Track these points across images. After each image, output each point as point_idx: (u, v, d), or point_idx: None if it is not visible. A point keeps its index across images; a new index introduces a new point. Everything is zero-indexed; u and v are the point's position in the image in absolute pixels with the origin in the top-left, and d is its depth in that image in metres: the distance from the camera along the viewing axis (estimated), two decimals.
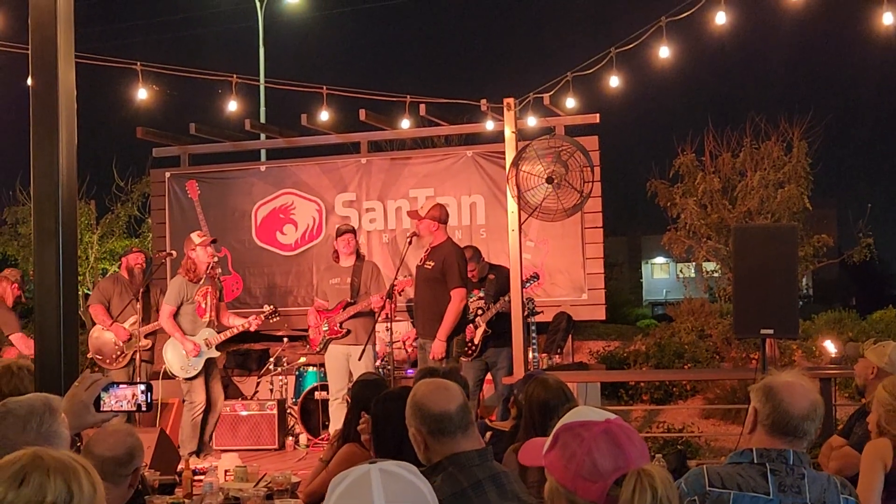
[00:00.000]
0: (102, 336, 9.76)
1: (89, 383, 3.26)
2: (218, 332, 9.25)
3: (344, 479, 2.02)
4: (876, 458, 4.45)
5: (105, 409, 3.29)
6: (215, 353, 9.24)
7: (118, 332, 9.68)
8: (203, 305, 9.23)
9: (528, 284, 9.35)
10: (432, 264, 8.79)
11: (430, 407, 3.40)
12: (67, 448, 2.87)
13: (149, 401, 3.39)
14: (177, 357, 9.17)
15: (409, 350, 10.53)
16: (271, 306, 9.75)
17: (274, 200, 12.34)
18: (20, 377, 4.48)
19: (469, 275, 9.24)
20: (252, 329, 9.53)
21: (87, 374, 3.34)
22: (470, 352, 9.27)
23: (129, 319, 9.73)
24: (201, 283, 9.24)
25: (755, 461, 3.20)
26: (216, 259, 9.44)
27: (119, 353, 9.68)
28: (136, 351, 9.64)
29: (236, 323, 9.44)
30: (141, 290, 9.64)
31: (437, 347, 8.58)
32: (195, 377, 9.15)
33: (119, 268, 10.39)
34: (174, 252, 10.50)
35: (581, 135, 10.61)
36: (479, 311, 9.30)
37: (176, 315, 9.22)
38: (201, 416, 9.14)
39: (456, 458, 3.32)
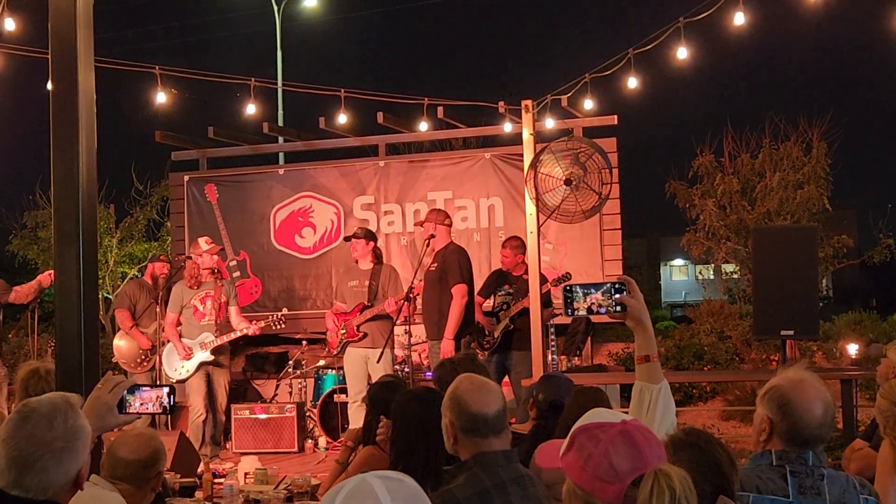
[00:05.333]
0: (127, 341, 9.91)
1: (112, 385, 3.28)
2: (218, 336, 9.22)
3: (340, 490, 1.98)
4: (886, 460, 4.41)
5: (130, 411, 3.31)
6: (209, 357, 9.17)
7: (141, 340, 9.86)
8: (201, 309, 9.25)
9: (559, 283, 9.36)
10: (435, 265, 8.91)
11: (469, 405, 3.38)
12: (90, 443, 2.90)
13: (172, 403, 3.41)
14: (170, 360, 9.25)
15: (426, 362, 10.49)
16: (280, 312, 9.76)
17: (292, 203, 12.37)
18: (47, 381, 4.51)
19: (512, 264, 9.37)
20: (251, 334, 9.46)
21: (109, 377, 3.35)
22: (487, 345, 9.26)
23: (151, 326, 9.86)
24: (200, 288, 9.28)
25: (774, 463, 3.18)
26: (234, 262, 9.46)
27: (143, 357, 9.83)
28: (158, 356, 9.72)
29: (241, 326, 9.39)
30: (161, 294, 9.70)
31: (446, 347, 8.58)
32: (186, 380, 9.17)
33: (143, 273, 10.53)
34: (193, 255, 10.54)
35: (599, 136, 10.59)
36: (504, 307, 9.29)
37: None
38: (200, 419, 9.12)
39: (482, 457, 3.32)
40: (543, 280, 9.47)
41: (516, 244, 9.53)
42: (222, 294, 9.32)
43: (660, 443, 2.21)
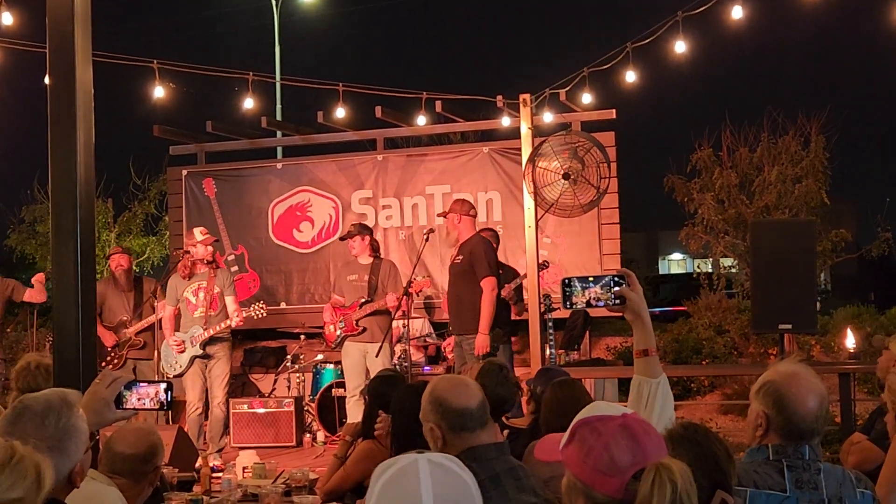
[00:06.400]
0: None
1: (110, 381, 3.28)
2: (206, 329, 9.18)
3: (389, 467, 2.03)
4: None
5: (128, 406, 3.31)
6: (199, 351, 9.12)
7: (105, 338, 9.73)
8: (193, 301, 9.20)
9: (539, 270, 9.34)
10: (461, 258, 8.73)
11: (451, 402, 3.39)
12: (86, 442, 2.90)
13: (169, 399, 3.41)
14: (167, 356, 9.23)
15: (450, 355, 10.42)
16: (260, 303, 9.61)
17: (290, 198, 12.35)
18: (35, 375, 4.51)
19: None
20: (233, 326, 9.34)
21: (107, 372, 3.35)
22: None
23: (117, 321, 9.78)
24: (193, 279, 9.24)
25: (771, 457, 3.18)
26: (232, 257, 9.40)
27: (113, 355, 9.74)
28: (127, 351, 9.65)
29: (233, 317, 9.31)
30: (157, 287, 9.63)
31: (481, 342, 8.41)
32: (181, 374, 9.14)
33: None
34: (190, 249, 10.51)
35: (597, 130, 10.58)
36: None
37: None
38: (196, 413, 9.09)
39: (473, 451, 3.33)
40: (515, 274, 9.47)
41: (489, 234, 9.51)
42: (216, 285, 9.26)
43: (660, 436, 2.21)
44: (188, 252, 9.32)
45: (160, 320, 9.48)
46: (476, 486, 2.07)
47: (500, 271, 9.38)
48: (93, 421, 3.07)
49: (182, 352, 9.13)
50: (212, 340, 9.14)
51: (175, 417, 9.88)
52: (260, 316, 9.45)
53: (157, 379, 8.15)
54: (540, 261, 9.48)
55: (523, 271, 9.43)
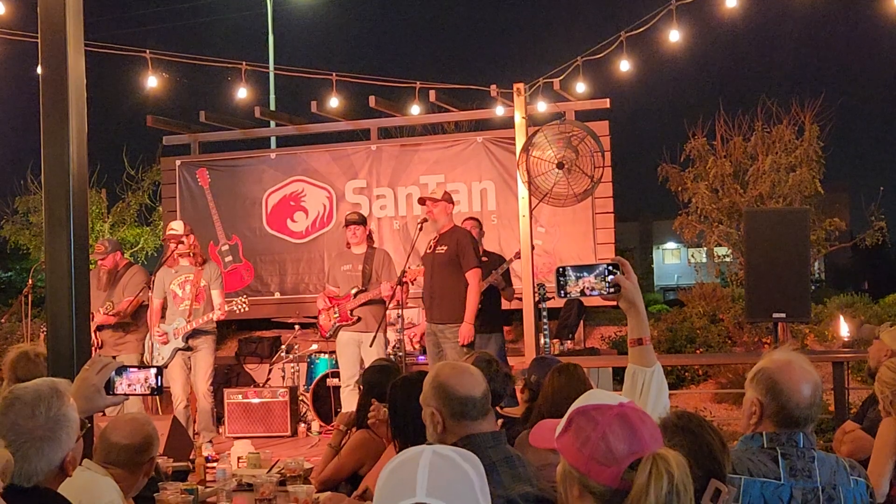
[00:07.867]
0: None
1: (100, 367, 3.27)
2: (188, 322, 9.11)
3: (400, 455, 2.04)
4: (887, 440, 4.40)
5: (118, 392, 3.30)
6: (181, 343, 9.07)
7: None
8: (180, 294, 9.17)
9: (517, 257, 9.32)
10: (445, 248, 8.64)
11: (456, 389, 3.39)
12: (78, 431, 2.89)
13: (159, 385, 3.40)
14: (153, 347, 9.21)
15: (418, 347, 10.38)
16: (243, 297, 9.52)
17: (284, 188, 12.34)
18: (36, 363, 4.50)
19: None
20: (216, 319, 9.26)
21: (97, 358, 3.34)
22: None
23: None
24: (179, 272, 9.21)
25: (765, 445, 3.18)
26: (226, 247, 9.36)
27: None
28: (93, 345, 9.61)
29: (217, 311, 9.25)
30: (154, 281, 9.57)
31: (466, 331, 8.34)
32: (163, 367, 9.10)
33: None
34: (184, 241, 10.46)
35: (591, 120, 10.57)
36: None
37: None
38: (181, 406, 9.05)
39: (470, 439, 3.33)
40: (501, 260, 9.44)
41: (472, 223, 9.48)
42: (202, 279, 9.22)
43: (656, 426, 2.20)
44: (182, 242, 9.30)
45: (134, 312, 9.41)
46: (481, 481, 2.07)
47: (485, 258, 9.30)
48: (83, 407, 3.06)
49: (165, 343, 9.12)
50: (195, 333, 9.09)
51: (164, 408, 9.86)
52: (242, 310, 9.33)
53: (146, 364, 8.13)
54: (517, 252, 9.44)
55: (509, 256, 9.44)
